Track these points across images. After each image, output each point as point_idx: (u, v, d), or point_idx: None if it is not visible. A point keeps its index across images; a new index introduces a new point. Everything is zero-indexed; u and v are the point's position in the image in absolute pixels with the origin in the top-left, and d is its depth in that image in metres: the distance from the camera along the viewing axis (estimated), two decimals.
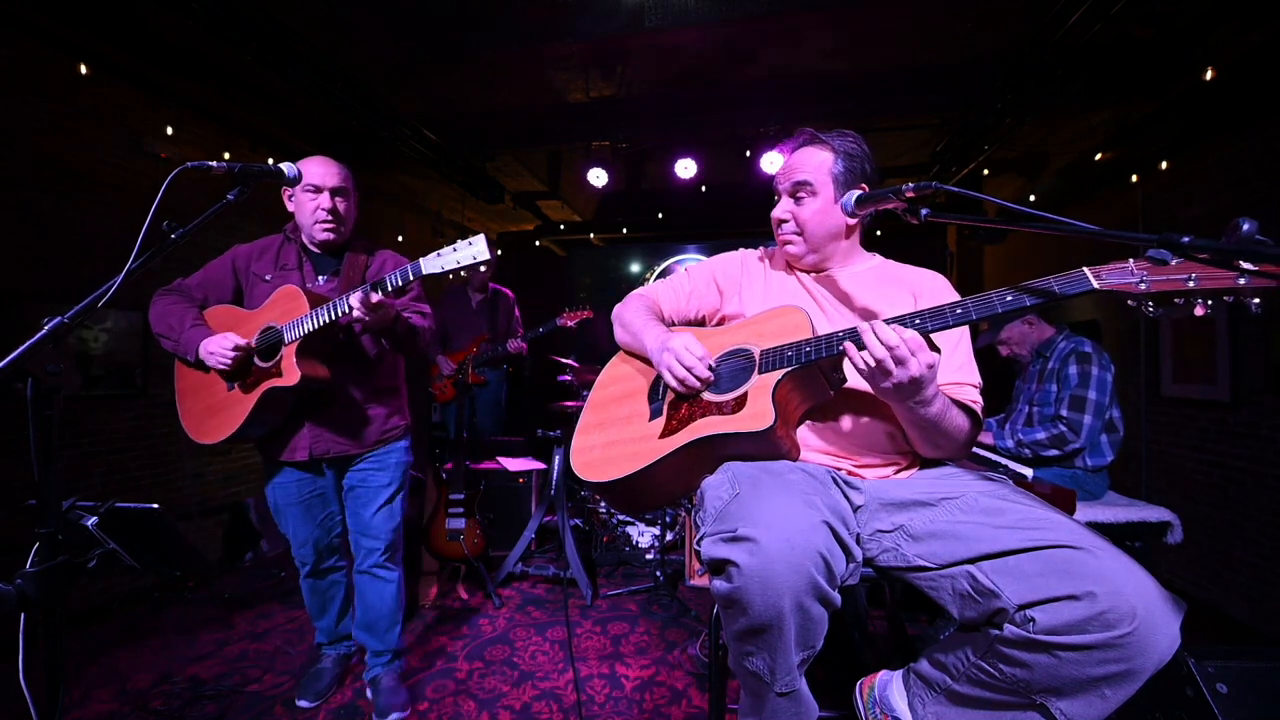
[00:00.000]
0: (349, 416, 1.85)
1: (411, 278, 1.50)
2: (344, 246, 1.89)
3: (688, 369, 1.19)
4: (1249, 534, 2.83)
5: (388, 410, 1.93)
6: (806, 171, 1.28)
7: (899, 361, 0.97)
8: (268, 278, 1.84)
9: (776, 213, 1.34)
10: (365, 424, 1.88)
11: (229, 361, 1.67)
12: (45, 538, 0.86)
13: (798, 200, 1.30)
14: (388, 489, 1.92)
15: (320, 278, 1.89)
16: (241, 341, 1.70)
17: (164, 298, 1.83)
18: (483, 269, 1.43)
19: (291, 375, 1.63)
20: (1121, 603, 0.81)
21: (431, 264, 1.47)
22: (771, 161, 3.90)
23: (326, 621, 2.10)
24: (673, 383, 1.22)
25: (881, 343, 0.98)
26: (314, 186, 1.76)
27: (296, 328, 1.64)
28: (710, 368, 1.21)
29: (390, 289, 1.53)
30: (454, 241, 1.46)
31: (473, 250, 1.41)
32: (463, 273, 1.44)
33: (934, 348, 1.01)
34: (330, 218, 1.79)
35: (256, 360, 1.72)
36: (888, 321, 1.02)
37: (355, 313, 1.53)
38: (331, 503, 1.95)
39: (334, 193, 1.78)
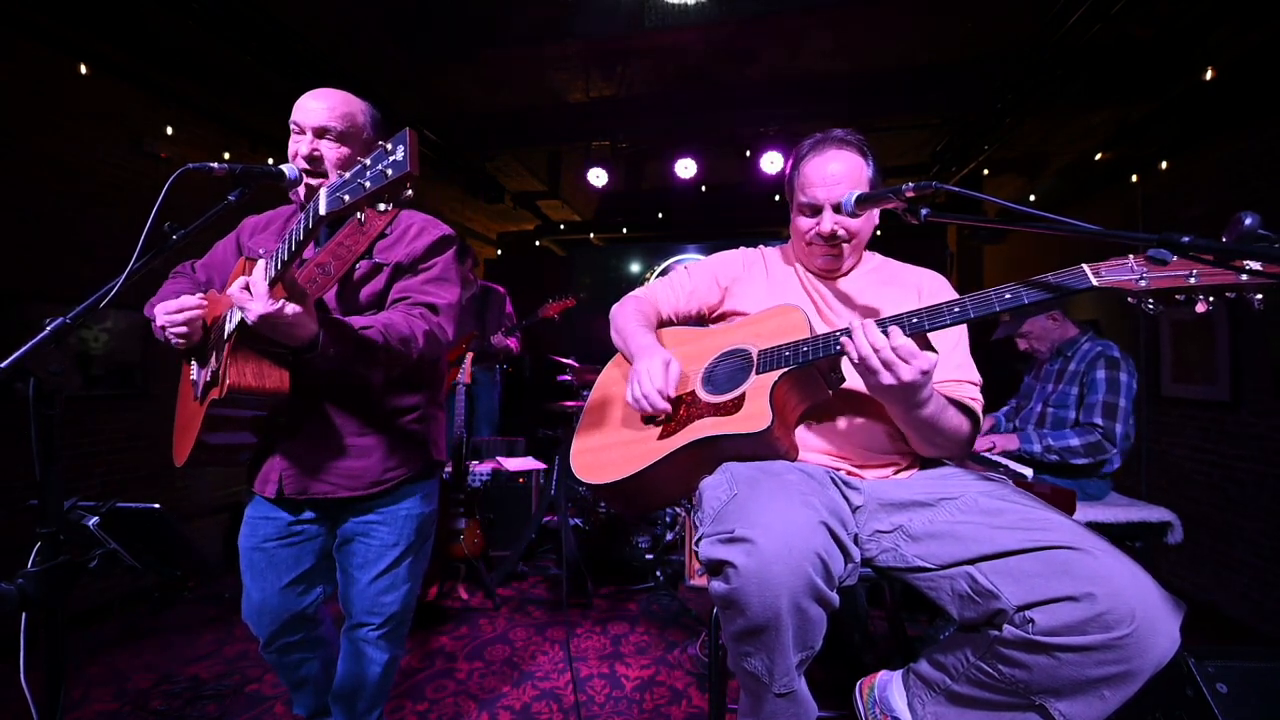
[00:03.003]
0: (329, 447, 1.34)
1: (311, 226, 0.97)
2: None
3: (644, 394, 1.20)
4: (1249, 534, 2.83)
5: (391, 442, 1.39)
6: (853, 182, 1.22)
7: (886, 365, 0.98)
8: (261, 252, 1.37)
9: (824, 227, 1.23)
10: (356, 459, 1.36)
11: (178, 325, 1.21)
12: (47, 537, 0.86)
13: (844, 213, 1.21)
14: (393, 550, 1.43)
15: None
16: (193, 303, 1.22)
17: (167, 283, 1.51)
18: (409, 191, 0.88)
19: (222, 385, 1.15)
20: (1121, 604, 0.81)
21: (331, 197, 0.93)
22: (772, 161, 3.90)
23: (304, 698, 1.61)
24: (629, 399, 1.23)
25: (869, 343, 0.99)
26: (296, 126, 1.32)
27: (229, 319, 1.18)
28: (668, 398, 1.20)
29: (279, 266, 1.02)
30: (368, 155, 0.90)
31: (391, 159, 0.86)
32: (383, 203, 0.89)
33: (929, 348, 1.01)
34: (308, 166, 1.31)
35: (212, 357, 1.26)
36: (888, 320, 1.03)
37: (247, 315, 1.05)
38: (308, 560, 1.43)
39: (319, 133, 1.32)
